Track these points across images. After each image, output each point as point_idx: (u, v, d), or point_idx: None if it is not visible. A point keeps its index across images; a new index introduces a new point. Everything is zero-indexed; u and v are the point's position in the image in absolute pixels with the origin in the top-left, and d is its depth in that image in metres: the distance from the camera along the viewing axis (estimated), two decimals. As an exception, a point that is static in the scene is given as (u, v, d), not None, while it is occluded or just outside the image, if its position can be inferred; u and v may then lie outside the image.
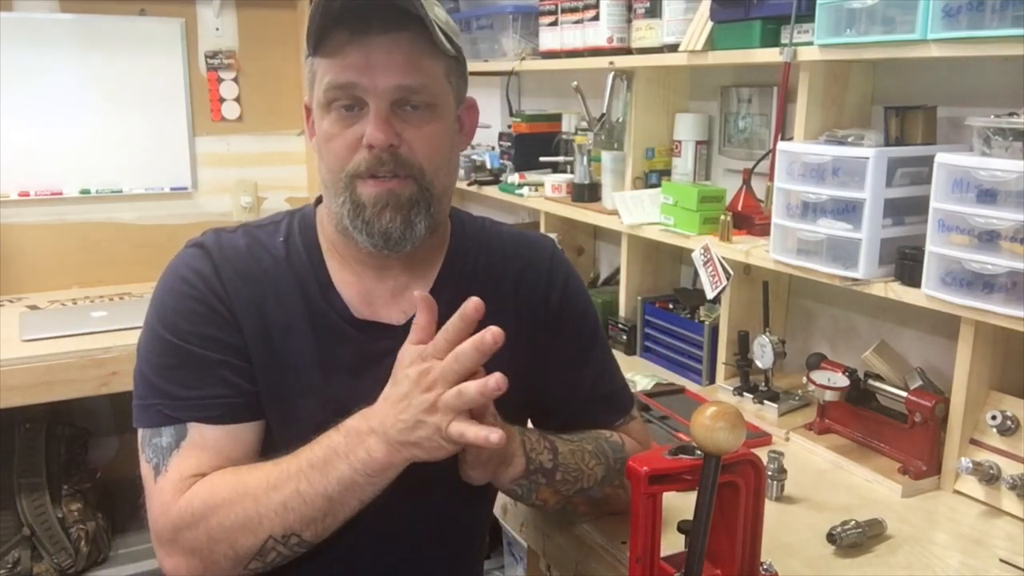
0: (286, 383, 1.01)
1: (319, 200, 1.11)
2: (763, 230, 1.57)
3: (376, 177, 0.96)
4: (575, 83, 2.01)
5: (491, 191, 2.46)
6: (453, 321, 0.89)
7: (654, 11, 1.81)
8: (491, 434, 0.84)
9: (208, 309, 0.99)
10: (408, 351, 0.91)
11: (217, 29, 3.04)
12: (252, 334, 1.00)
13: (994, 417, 1.25)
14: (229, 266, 1.02)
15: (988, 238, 1.15)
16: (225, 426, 0.98)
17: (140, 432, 1.00)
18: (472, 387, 0.84)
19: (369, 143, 0.94)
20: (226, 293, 1.00)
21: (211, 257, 1.02)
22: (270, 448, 1.01)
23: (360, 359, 1.03)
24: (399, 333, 1.04)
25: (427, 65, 0.97)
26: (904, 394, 1.35)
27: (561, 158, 2.35)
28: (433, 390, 0.86)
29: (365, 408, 0.92)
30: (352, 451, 0.89)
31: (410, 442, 0.88)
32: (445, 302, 1.07)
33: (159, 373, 0.98)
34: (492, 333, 0.85)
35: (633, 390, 1.68)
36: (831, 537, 1.13)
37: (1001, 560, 1.12)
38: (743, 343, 1.64)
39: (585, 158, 2.10)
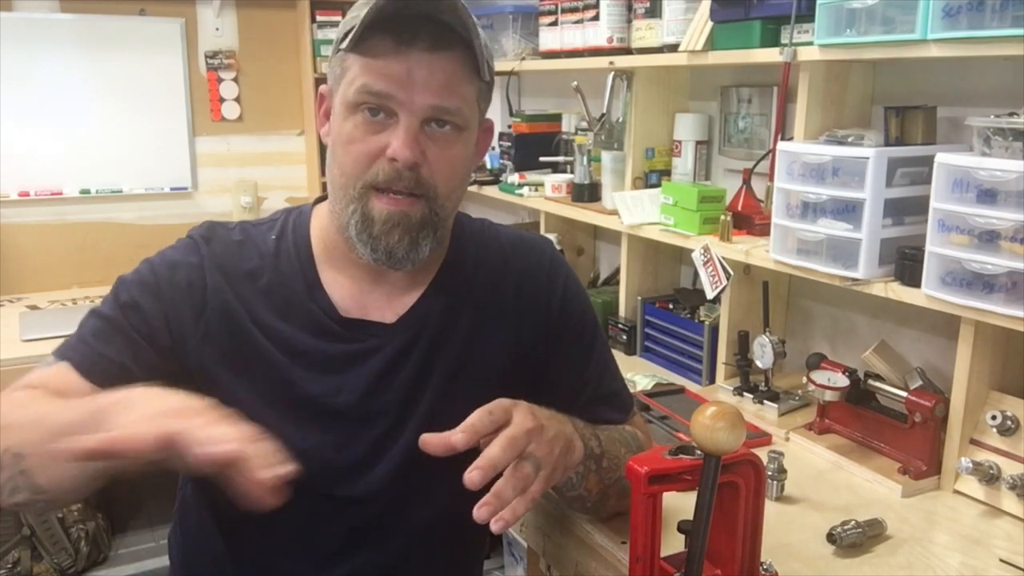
0: (266, 375, 1.01)
1: (318, 200, 1.11)
2: (763, 230, 1.57)
3: (391, 191, 0.96)
4: (575, 83, 2.01)
5: (491, 191, 2.47)
6: None
7: (654, 11, 1.81)
8: None
9: (156, 288, 1.01)
10: None
11: (217, 29, 3.04)
12: (224, 326, 1.01)
13: (994, 417, 1.25)
14: (213, 258, 1.03)
15: (988, 238, 1.15)
16: (85, 380, 0.95)
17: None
18: None
19: (394, 157, 0.93)
20: (202, 283, 1.01)
21: (198, 248, 1.04)
22: None
23: (346, 355, 1.03)
24: (388, 331, 1.04)
25: (463, 89, 0.96)
26: (904, 394, 1.35)
27: (561, 158, 2.35)
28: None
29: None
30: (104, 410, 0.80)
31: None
32: (440, 305, 1.07)
33: (89, 317, 1.01)
34: None
35: (633, 390, 1.69)
36: (831, 537, 1.13)
37: (1001, 560, 1.12)
38: (743, 343, 1.64)
39: (585, 158, 2.10)
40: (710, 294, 1.65)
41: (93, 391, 0.95)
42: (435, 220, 0.99)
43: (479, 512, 0.81)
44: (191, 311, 1.00)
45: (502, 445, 0.82)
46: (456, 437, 0.81)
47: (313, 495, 1.03)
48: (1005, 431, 1.24)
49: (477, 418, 0.83)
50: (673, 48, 1.74)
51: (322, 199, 1.10)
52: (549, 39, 2.17)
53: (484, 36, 0.98)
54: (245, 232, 1.07)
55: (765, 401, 1.58)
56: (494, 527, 0.82)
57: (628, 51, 1.93)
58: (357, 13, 0.94)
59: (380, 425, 1.03)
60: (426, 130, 0.95)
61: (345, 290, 1.05)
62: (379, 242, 0.97)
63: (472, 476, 0.79)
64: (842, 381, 1.41)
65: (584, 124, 2.13)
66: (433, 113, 0.94)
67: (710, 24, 1.64)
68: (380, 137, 0.94)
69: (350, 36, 0.93)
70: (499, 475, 0.84)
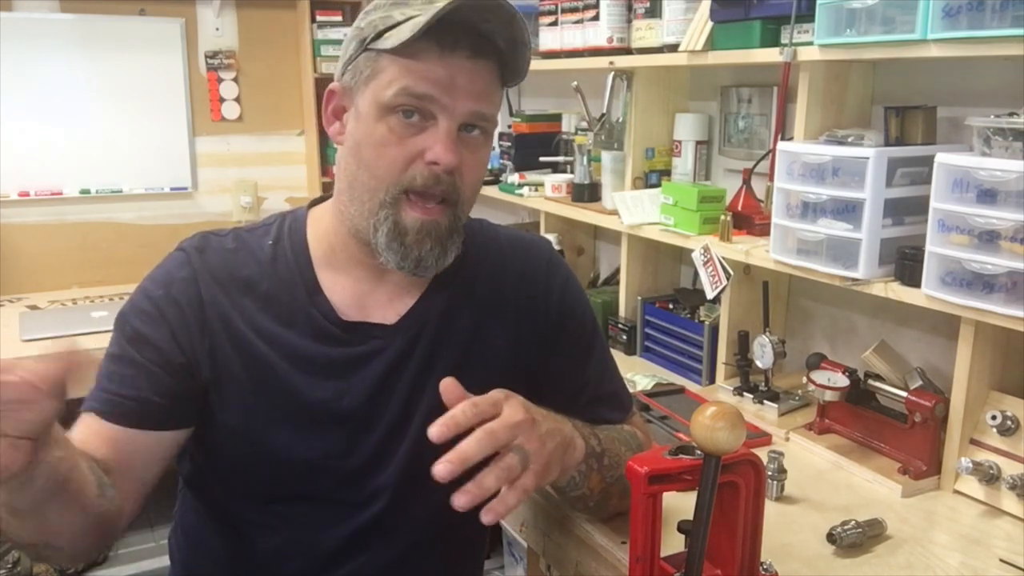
0: (266, 386, 1.00)
1: (313, 203, 1.10)
2: (763, 230, 1.57)
3: (426, 197, 0.95)
4: (575, 83, 2.01)
5: (491, 191, 2.46)
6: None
7: (654, 11, 1.81)
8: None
9: (159, 313, 0.99)
10: None
11: (217, 29, 3.04)
12: (224, 339, 1.00)
13: (994, 417, 1.25)
14: (207, 271, 1.01)
15: (988, 238, 1.15)
16: (112, 425, 0.95)
17: None
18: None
19: (435, 160, 0.93)
20: (197, 298, 1.00)
21: (190, 261, 1.02)
22: (242, 448, 1.01)
23: (348, 359, 1.02)
24: (390, 332, 1.04)
25: (495, 96, 0.98)
26: (904, 394, 1.35)
27: (561, 158, 2.35)
28: None
29: None
30: None
31: None
32: (440, 305, 1.07)
33: (103, 363, 1.00)
34: None
35: (633, 390, 1.69)
36: (831, 537, 1.13)
37: (1001, 560, 1.12)
38: (743, 343, 1.64)
39: (585, 158, 2.10)
40: (710, 294, 1.65)
41: (124, 433, 0.95)
42: (459, 226, 1.00)
43: (458, 500, 0.80)
44: (195, 325, 0.99)
45: (477, 438, 0.82)
46: (433, 429, 0.80)
47: (316, 500, 1.04)
48: (1005, 431, 1.24)
49: (460, 410, 0.83)
50: (673, 48, 1.74)
51: (317, 201, 1.10)
52: (549, 39, 2.17)
53: (530, 46, 0.99)
54: (239, 239, 1.06)
55: (765, 401, 1.58)
56: (484, 518, 0.82)
57: (628, 51, 1.93)
58: (388, 14, 0.93)
59: (383, 428, 1.03)
60: (460, 135, 0.96)
61: (346, 292, 1.04)
62: (411, 251, 0.96)
63: (438, 468, 0.79)
64: (842, 381, 1.41)
65: (584, 124, 2.13)
66: (471, 118, 0.95)
67: (710, 24, 1.64)
68: (416, 140, 0.94)
69: (390, 37, 0.92)
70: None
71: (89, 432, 0.95)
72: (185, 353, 0.99)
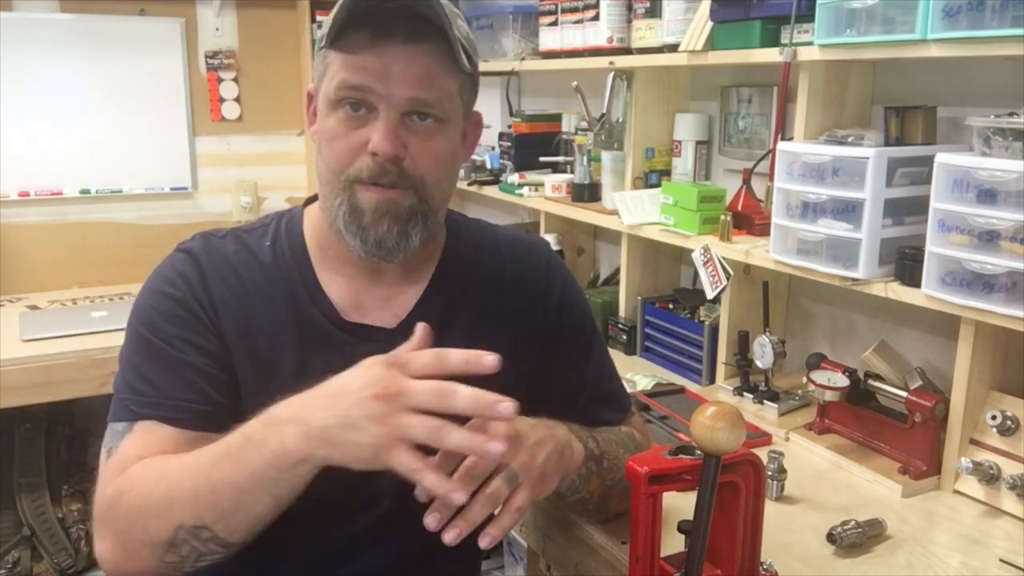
0: (269, 388, 0.99)
1: (308, 201, 1.10)
2: (763, 230, 1.57)
3: (377, 184, 0.96)
4: (575, 83, 2.01)
5: (491, 191, 2.46)
6: (455, 357, 0.81)
7: (654, 11, 1.81)
8: (452, 490, 0.78)
9: (188, 313, 0.98)
10: (380, 356, 0.83)
11: (217, 29, 3.04)
12: (236, 341, 0.99)
13: (994, 417, 1.25)
14: (215, 272, 1.01)
15: (988, 238, 1.15)
16: (181, 430, 0.94)
17: (108, 427, 0.97)
18: (457, 435, 0.76)
19: (374, 151, 0.94)
20: (210, 298, 0.99)
21: (198, 262, 1.02)
22: None
23: (349, 362, 1.02)
24: (390, 336, 1.03)
25: (442, 81, 0.96)
26: (904, 394, 1.35)
27: (561, 158, 2.35)
28: (391, 401, 0.77)
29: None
30: (266, 440, 0.82)
31: (334, 441, 0.79)
32: (439, 306, 1.07)
33: (132, 368, 0.98)
34: (492, 358, 0.79)
35: (633, 390, 1.69)
36: (831, 537, 1.13)
37: (1001, 560, 1.12)
38: (743, 343, 1.64)
39: (585, 158, 2.10)
40: (710, 294, 1.65)
41: (202, 438, 0.93)
42: (425, 209, 0.99)
43: (447, 536, 0.81)
44: (220, 325, 0.99)
45: (460, 478, 0.82)
46: (428, 519, 0.82)
47: (316, 502, 1.03)
48: (1005, 431, 1.24)
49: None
50: (673, 48, 1.74)
51: (311, 200, 1.10)
52: (549, 39, 2.17)
53: (464, 27, 0.98)
54: (238, 240, 1.06)
55: (765, 401, 1.58)
56: (482, 543, 0.83)
57: (628, 51, 1.93)
58: (337, 11, 0.93)
59: None
60: (407, 123, 0.95)
61: (343, 291, 1.04)
62: (368, 233, 0.97)
63: (429, 521, 0.80)
64: (842, 381, 1.41)
65: (584, 124, 2.13)
66: (411, 105, 0.94)
67: (710, 24, 1.64)
68: (362, 132, 0.95)
69: (328, 33, 0.93)
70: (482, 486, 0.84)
71: (158, 441, 0.93)
72: (226, 349, 0.99)
